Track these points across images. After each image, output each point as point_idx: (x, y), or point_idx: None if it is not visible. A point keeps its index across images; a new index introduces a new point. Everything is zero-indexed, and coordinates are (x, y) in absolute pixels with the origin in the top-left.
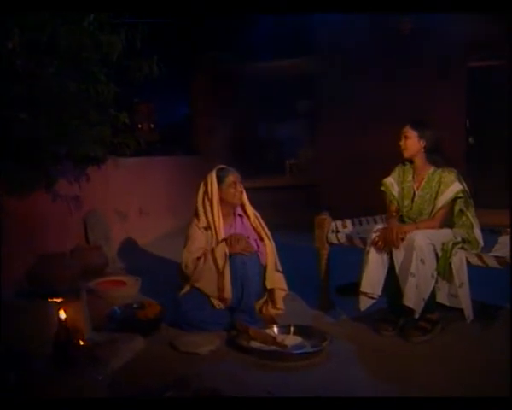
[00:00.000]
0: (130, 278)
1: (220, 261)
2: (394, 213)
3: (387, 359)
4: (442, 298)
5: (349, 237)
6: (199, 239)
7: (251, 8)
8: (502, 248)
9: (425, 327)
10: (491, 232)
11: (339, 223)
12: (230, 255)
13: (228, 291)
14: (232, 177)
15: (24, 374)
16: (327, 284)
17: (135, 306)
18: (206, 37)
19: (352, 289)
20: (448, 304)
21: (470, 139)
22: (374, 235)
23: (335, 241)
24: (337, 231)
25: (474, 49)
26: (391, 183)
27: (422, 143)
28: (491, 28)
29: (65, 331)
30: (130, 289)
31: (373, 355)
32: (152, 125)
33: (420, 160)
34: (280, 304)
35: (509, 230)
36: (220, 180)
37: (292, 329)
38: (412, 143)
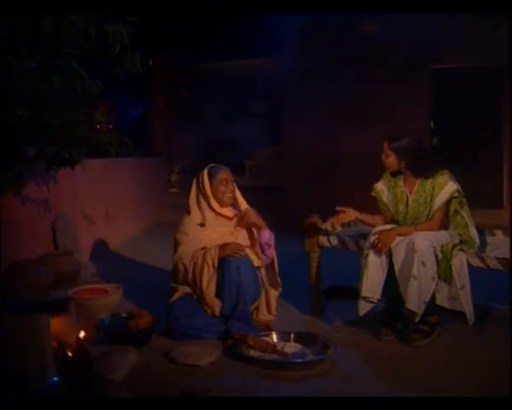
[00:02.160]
0: (110, 285)
1: (209, 268)
2: (384, 217)
3: (390, 363)
4: (442, 300)
5: (342, 240)
6: (194, 234)
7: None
8: (494, 249)
9: (425, 330)
10: None
11: (328, 225)
12: (224, 261)
13: (210, 299)
14: (223, 174)
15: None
16: (317, 288)
17: (124, 315)
18: (164, 37)
19: (339, 292)
20: (448, 307)
21: (434, 140)
22: (373, 238)
23: (327, 244)
24: (328, 234)
25: (437, 51)
26: (381, 189)
27: (402, 164)
28: (455, 31)
29: (84, 352)
30: (112, 297)
31: (377, 361)
32: (111, 126)
33: (406, 171)
34: (274, 309)
35: (494, 230)
36: (211, 177)
37: (292, 336)
38: (392, 161)
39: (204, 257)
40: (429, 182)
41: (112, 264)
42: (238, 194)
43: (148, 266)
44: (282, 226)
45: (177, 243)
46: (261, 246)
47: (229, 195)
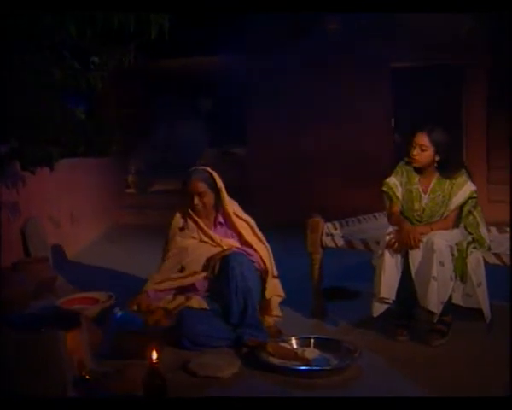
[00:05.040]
0: (100, 293)
1: None
2: (398, 214)
3: (414, 365)
4: (457, 299)
5: (348, 240)
6: (176, 244)
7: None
8: (499, 246)
9: (442, 330)
10: None
11: (329, 225)
12: (228, 267)
13: None
14: (195, 183)
15: None
16: (320, 289)
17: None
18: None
19: (336, 293)
20: (463, 305)
21: (396, 137)
22: (388, 237)
23: (332, 244)
24: (332, 234)
25: (398, 51)
26: (394, 183)
27: (437, 158)
28: (415, 29)
29: (158, 374)
30: (105, 307)
31: (401, 363)
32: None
33: (429, 168)
34: (276, 311)
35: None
36: (185, 184)
37: (312, 341)
38: (428, 155)
39: None
40: (448, 181)
41: (83, 269)
42: (226, 202)
43: (119, 271)
44: None
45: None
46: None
47: (200, 208)
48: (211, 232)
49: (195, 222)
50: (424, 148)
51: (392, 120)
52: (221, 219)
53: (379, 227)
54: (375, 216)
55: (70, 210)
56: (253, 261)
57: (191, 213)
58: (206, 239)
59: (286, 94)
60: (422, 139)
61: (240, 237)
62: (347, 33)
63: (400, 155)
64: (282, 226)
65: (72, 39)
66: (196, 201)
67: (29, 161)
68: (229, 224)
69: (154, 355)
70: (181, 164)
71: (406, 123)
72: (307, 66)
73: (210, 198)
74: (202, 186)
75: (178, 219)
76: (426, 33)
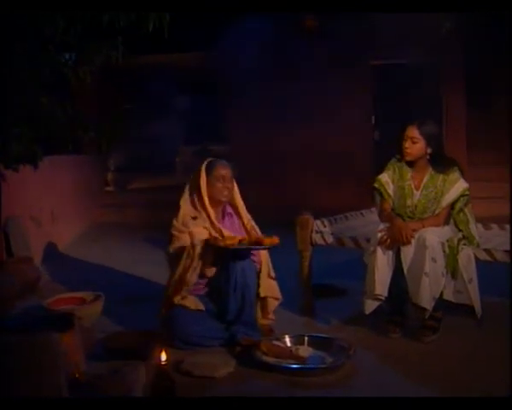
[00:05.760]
0: (87, 293)
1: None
2: (390, 211)
3: (408, 362)
4: (448, 295)
5: (337, 237)
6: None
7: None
8: (487, 242)
9: (434, 326)
10: None
11: (318, 222)
12: (228, 262)
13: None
14: (221, 170)
15: None
16: (309, 287)
17: None
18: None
19: (325, 290)
20: (454, 301)
21: (376, 135)
22: (380, 234)
23: (321, 242)
24: (321, 232)
25: (377, 48)
26: (386, 181)
27: (429, 150)
28: (396, 28)
29: (166, 376)
30: (95, 307)
31: (395, 360)
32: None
33: (422, 161)
34: (272, 314)
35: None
36: (208, 173)
37: (306, 339)
38: (419, 147)
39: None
40: (440, 177)
41: (65, 268)
42: (237, 195)
43: (101, 270)
44: None
45: (174, 238)
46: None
47: (226, 193)
48: (220, 226)
49: (208, 215)
50: (415, 140)
51: (373, 117)
52: (230, 210)
53: (367, 224)
54: (361, 213)
55: (51, 209)
56: (254, 261)
57: (205, 202)
58: (214, 233)
59: (264, 93)
60: (413, 132)
61: (247, 232)
62: (326, 31)
63: (380, 153)
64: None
65: (60, 33)
66: (228, 184)
67: (13, 159)
68: (237, 215)
69: (163, 357)
70: (158, 161)
71: (386, 121)
72: (286, 64)
73: (233, 185)
74: (229, 172)
75: (190, 209)
76: (405, 32)
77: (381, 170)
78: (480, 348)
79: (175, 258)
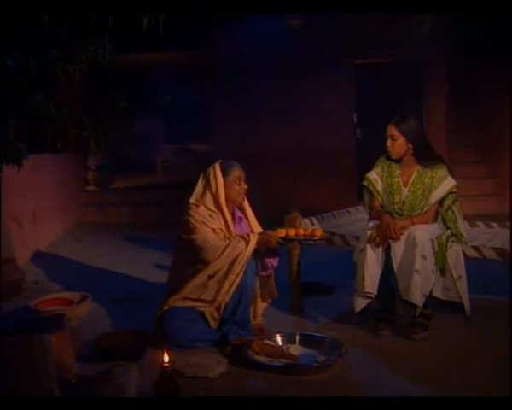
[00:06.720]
0: (74, 294)
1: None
2: (379, 208)
3: (400, 360)
4: (437, 292)
5: (326, 236)
6: (210, 221)
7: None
8: (473, 240)
9: (423, 323)
10: None
11: (306, 221)
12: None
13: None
14: (237, 171)
15: None
16: (298, 285)
17: None
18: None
19: (312, 288)
20: (443, 298)
21: (358, 133)
22: (369, 232)
23: (310, 241)
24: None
25: (360, 47)
26: (375, 178)
27: (410, 146)
28: (379, 27)
29: (170, 378)
30: (81, 307)
31: (386, 358)
32: None
33: (407, 158)
34: (259, 317)
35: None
36: (224, 173)
37: (297, 338)
38: (400, 144)
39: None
40: (428, 174)
41: (48, 268)
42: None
43: (85, 270)
44: None
45: (196, 228)
46: (265, 263)
47: (243, 194)
48: (234, 229)
49: (224, 217)
50: (394, 137)
51: (355, 115)
52: (240, 214)
53: (354, 222)
54: (348, 211)
55: (32, 209)
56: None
57: (222, 204)
58: (228, 235)
59: (248, 92)
60: (391, 130)
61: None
62: (309, 30)
63: (362, 152)
64: None
65: (48, 30)
66: (244, 185)
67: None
68: (246, 219)
69: (166, 358)
70: (140, 160)
71: (369, 119)
72: (270, 64)
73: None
74: (243, 174)
75: (207, 207)
76: (388, 30)
77: (363, 168)
78: (470, 344)
79: (185, 249)
